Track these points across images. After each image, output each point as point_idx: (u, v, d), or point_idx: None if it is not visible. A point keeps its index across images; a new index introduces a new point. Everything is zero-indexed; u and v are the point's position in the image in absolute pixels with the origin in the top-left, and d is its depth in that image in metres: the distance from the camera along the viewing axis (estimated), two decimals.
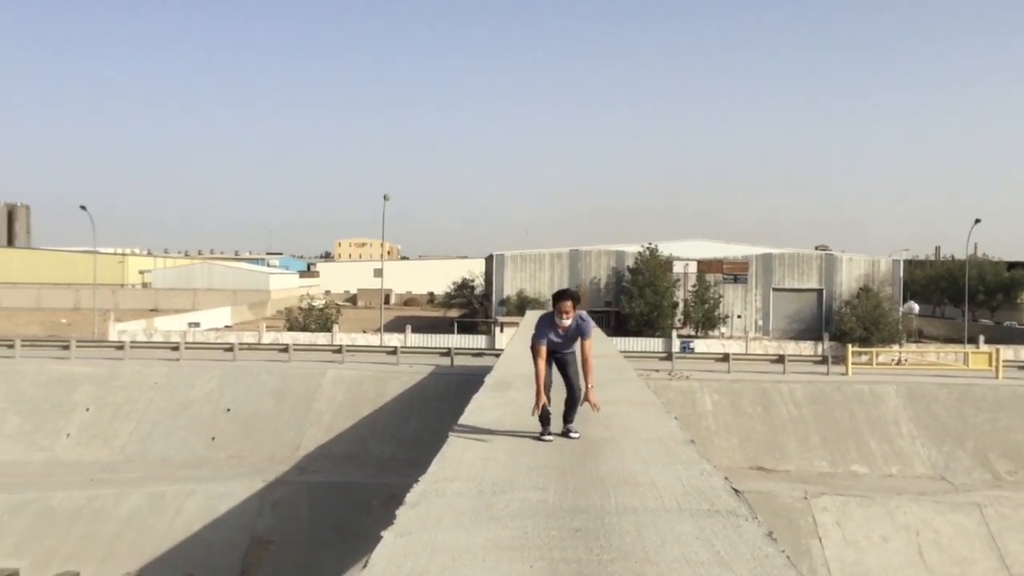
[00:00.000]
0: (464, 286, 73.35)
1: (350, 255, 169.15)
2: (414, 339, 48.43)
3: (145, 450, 27.72)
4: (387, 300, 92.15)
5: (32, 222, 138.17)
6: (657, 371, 32.17)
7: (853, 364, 33.99)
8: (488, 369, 15.94)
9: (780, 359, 34.50)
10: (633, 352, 36.86)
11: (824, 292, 61.27)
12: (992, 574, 20.87)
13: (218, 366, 32.44)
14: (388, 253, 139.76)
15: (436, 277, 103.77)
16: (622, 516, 5.69)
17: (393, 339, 47.59)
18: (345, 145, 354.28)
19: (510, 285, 61.90)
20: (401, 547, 4.98)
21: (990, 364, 33.89)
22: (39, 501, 22.29)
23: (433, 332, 53.42)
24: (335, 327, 51.96)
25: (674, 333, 51.17)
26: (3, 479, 24.43)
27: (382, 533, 5.22)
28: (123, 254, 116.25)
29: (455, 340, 47.92)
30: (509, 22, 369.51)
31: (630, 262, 60.22)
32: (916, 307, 61.15)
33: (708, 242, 63.77)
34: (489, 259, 68.67)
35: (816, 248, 70.92)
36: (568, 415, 8.62)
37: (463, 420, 9.57)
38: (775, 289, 61.71)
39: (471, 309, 69.85)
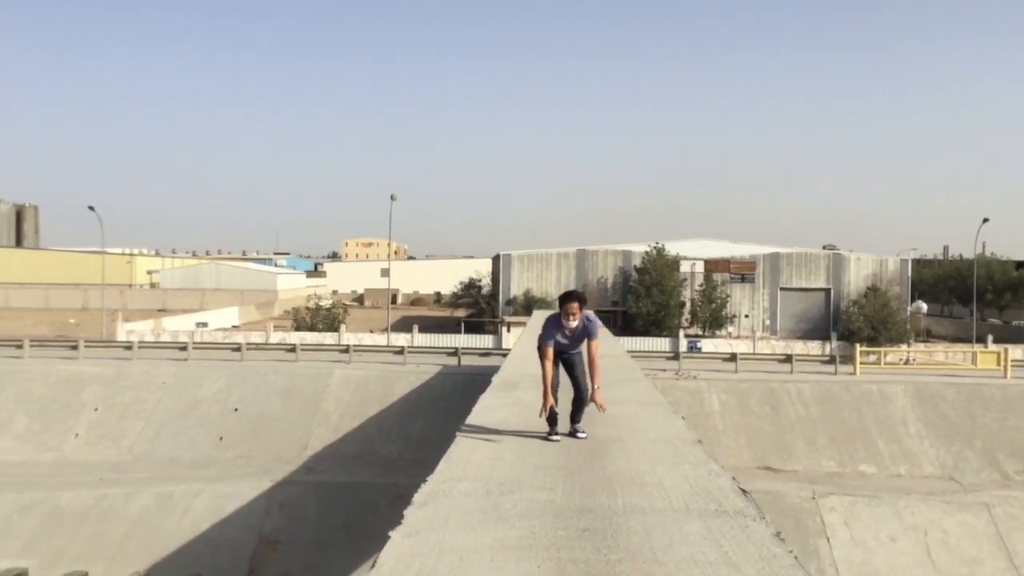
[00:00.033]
0: (471, 286, 73.38)
1: (357, 255, 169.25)
2: (421, 339, 48.45)
3: (153, 450, 27.79)
4: (394, 300, 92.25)
5: (40, 222, 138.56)
6: (664, 371, 32.14)
7: (861, 364, 33.90)
8: (495, 369, 15.94)
9: (788, 359, 34.43)
10: (640, 352, 36.80)
11: (832, 291, 61.08)
12: (1001, 574, 20.81)
13: (226, 366, 32.50)
14: (395, 253, 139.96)
15: (443, 277, 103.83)
16: (630, 516, 5.69)
17: (400, 339, 47.61)
18: (352, 145, 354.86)
19: (517, 285, 61.86)
20: (409, 547, 4.99)
21: (999, 364, 33.76)
22: (48, 501, 22.36)
23: (440, 332, 53.42)
24: (342, 327, 51.98)
25: (681, 333, 51.08)
26: (12, 479, 24.53)
27: (390, 533, 5.22)
28: (131, 254, 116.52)
29: (462, 340, 47.90)
30: (514, 22, 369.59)
31: (637, 262, 60.11)
32: (924, 306, 60.87)
33: (715, 241, 63.62)
34: (496, 259, 68.64)
35: (824, 247, 70.80)
36: (575, 415, 8.62)
37: (470, 420, 9.56)
38: (782, 289, 61.54)
39: (478, 309, 69.91)
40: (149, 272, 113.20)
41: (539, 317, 29.08)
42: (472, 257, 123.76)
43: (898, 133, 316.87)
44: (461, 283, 74.43)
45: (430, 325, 61.23)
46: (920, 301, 61.93)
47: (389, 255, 75.58)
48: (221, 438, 28.22)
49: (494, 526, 5.42)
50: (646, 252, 59.83)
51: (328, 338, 47.85)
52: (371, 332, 55.06)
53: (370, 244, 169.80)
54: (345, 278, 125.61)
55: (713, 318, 57.62)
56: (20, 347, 34.64)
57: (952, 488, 24.72)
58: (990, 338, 48.88)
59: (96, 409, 29.35)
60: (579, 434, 8.53)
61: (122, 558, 20.78)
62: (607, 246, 62.79)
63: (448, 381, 30.57)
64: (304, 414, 29.24)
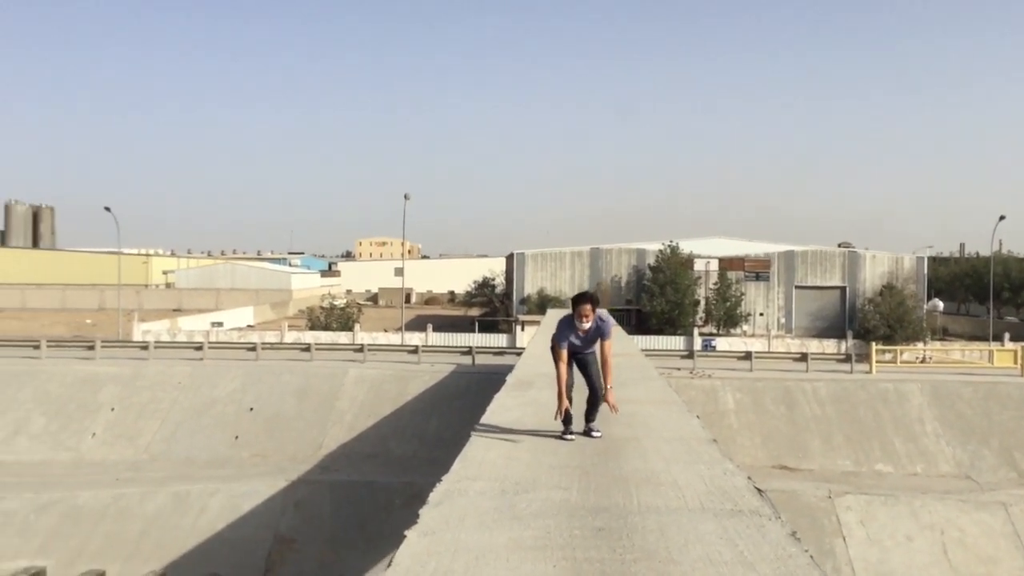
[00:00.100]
0: (485, 285, 73.41)
1: (371, 254, 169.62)
2: (435, 338, 48.55)
3: (169, 449, 27.93)
4: (408, 299, 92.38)
5: (57, 224, 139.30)
6: (679, 369, 32.07)
7: (877, 362, 33.74)
8: (509, 368, 15.94)
9: (803, 357, 34.28)
10: (654, 350, 36.76)
11: (847, 290, 60.82)
12: (1018, 573, 20.67)
13: (241, 366, 32.63)
14: (409, 252, 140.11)
15: (457, 276, 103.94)
16: (645, 515, 5.69)
17: (414, 338, 47.70)
18: (366, 145, 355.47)
19: (531, 284, 61.88)
20: (425, 546, 5.00)
21: (1015, 362, 33.56)
22: (65, 500, 22.50)
23: (454, 331, 53.50)
24: (356, 326, 52.13)
25: (695, 331, 50.99)
26: (30, 478, 24.69)
27: (406, 532, 5.24)
28: (147, 255, 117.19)
29: (476, 339, 47.97)
30: (530, 22, 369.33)
31: (651, 260, 60.03)
32: (940, 304, 60.59)
33: (729, 240, 63.47)
34: (510, 258, 68.65)
35: (839, 245, 70.39)
36: (590, 414, 8.63)
37: (485, 419, 9.57)
38: (797, 287, 61.32)
39: (492, 308, 69.93)
40: (165, 272, 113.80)
41: (553, 316, 29.07)
42: (486, 256, 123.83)
43: (914, 131, 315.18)
44: (475, 282, 74.48)
45: (444, 324, 61.29)
46: (936, 299, 61.63)
47: (403, 254, 75.62)
48: (237, 437, 28.33)
49: (509, 525, 5.43)
50: (660, 251, 59.76)
51: (342, 337, 48.00)
52: (385, 331, 55.18)
53: (384, 243, 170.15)
54: (359, 277, 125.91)
55: (728, 316, 57.47)
56: (37, 347, 34.87)
57: (969, 487, 24.57)
58: (1007, 336, 48.58)
59: (113, 409, 29.51)
60: (594, 433, 8.53)
61: (139, 557, 20.88)
62: (621, 245, 62.73)
63: (462, 380, 30.59)
64: (319, 413, 29.32)
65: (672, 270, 57.01)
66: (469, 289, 76.09)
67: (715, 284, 59.26)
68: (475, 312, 72.12)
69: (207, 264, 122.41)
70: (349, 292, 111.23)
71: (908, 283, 59.51)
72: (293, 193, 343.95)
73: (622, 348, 17.62)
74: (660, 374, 15.48)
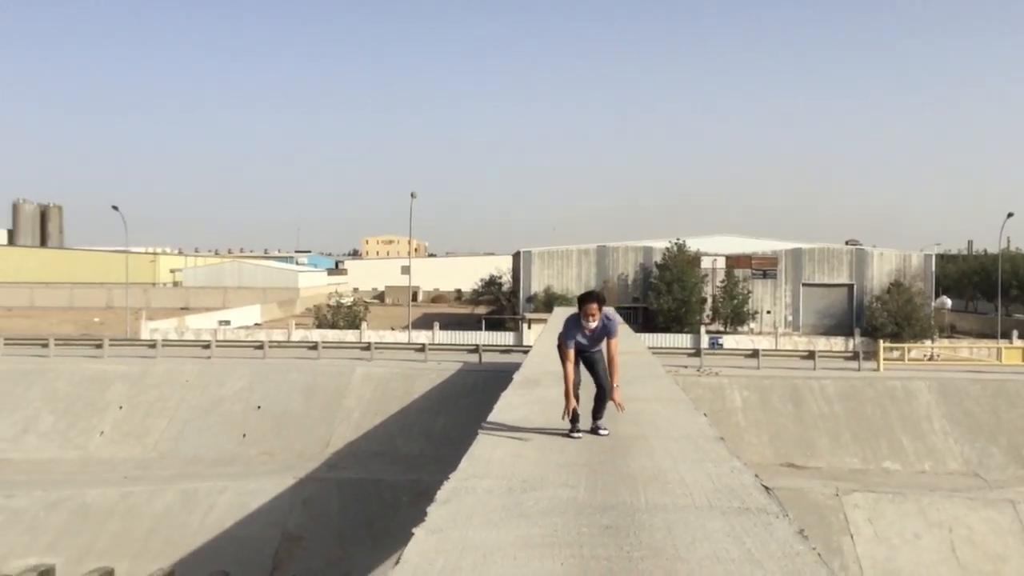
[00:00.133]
0: (492, 283, 73.35)
1: (377, 252, 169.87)
2: (442, 336, 48.59)
3: (177, 447, 28.01)
4: (415, 297, 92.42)
5: (65, 222, 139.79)
6: (686, 367, 32.06)
7: (885, 360, 33.66)
8: (516, 366, 15.95)
9: (810, 355, 34.23)
10: (661, 348, 36.75)
11: (855, 287, 60.67)
12: None
13: (248, 364, 32.71)
14: (415, 250, 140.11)
15: (463, 274, 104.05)
16: (652, 513, 5.70)
17: (421, 336, 47.78)
18: (372, 143, 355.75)
19: (537, 281, 61.88)
20: (433, 544, 5.02)
21: None
22: (74, 498, 22.57)
23: (461, 329, 53.55)
24: (363, 324, 52.18)
25: (703, 329, 50.94)
26: (38, 476, 24.79)
27: (414, 530, 5.26)
28: (154, 253, 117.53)
29: (483, 337, 48.03)
30: (535, 21, 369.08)
31: (658, 258, 59.98)
32: (948, 302, 60.51)
33: (736, 237, 63.37)
34: (516, 255, 68.66)
35: (846, 243, 70.22)
36: (597, 412, 8.64)
37: (492, 417, 9.59)
38: (805, 284, 61.19)
39: (499, 306, 69.86)
40: (172, 271, 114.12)
41: (560, 314, 29.07)
42: (492, 254, 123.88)
43: (922, 128, 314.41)
44: (481, 280, 74.39)
45: (451, 322, 61.33)
46: (944, 296, 61.54)
47: (410, 252, 75.78)
48: (244, 435, 28.41)
49: (517, 523, 5.45)
50: (667, 248, 59.70)
51: (349, 336, 48.05)
52: (392, 329, 55.23)
53: (391, 241, 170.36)
54: (366, 276, 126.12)
55: (735, 314, 57.38)
56: (46, 346, 34.99)
57: (977, 484, 24.51)
58: (1015, 334, 48.39)
59: (121, 407, 29.61)
60: (601, 431, 8.55)
61: (147, 555, 20.94)
62: (627, 242, 62.70)
63: (469, 378, 30.62)
64: (326, 411, 29.38)
65: (679, 268, 56.94)
66: (476, 287, 76.00)
67: (722, 282, 59.17)
68: (482, 310, 72.08)
69: (214, 263, 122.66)
70: (356, 290, 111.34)
71: (916, 280, 59.34)
72: (300, 192, 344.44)
73: (629, 346, 17.60)
74: (667, 372, 15.48)
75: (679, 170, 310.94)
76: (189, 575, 20.03)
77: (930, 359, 40.62)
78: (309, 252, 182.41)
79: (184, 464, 26.50)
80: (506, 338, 49.20)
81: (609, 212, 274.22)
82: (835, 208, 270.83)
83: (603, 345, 8.53)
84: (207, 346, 35.98)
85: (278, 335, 48.82)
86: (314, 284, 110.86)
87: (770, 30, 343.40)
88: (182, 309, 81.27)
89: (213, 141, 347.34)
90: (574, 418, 8.43)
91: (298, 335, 48.36)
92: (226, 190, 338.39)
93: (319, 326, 53.93)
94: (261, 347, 35.89)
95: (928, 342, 48.36)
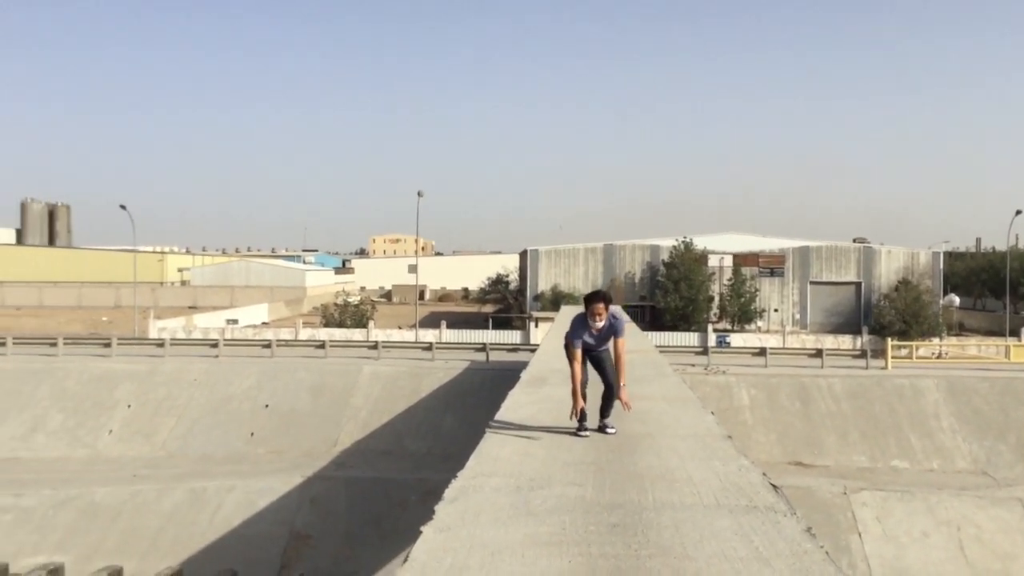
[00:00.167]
0: (498, 281, 73.38)
1: (384, 251, 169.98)
2: (449, 335, 48.60)
3: (186, 446, 28.08)
4: (422, 296, 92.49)
5: (73, 222, 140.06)
6: (693, 366, 32.02)
7: (893, 358, 33.57)
8: (523, 364, 15.95)
9: (818, 353, 34.17)
10: (668, 347, 36.66)
11: (862, 285, 60.48)
12: None
13: (256, 363, 32.78)
14: (422, 249, 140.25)
15: (471, 272, 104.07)
16: (660, 512, 5.70)
17: (428, 335, 47.79)
18: (379, 142, 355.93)
19: (544, 280, 61.86)
20: (441, 542, 5.03)
21: None
22: (83, 497, 22.65)
23: (468, 328, 53.55)
24: (370, 323, 52.24)
25: (710, 327, 50.84)
26: (48, 475, 24.89)
27: (421, 528, 5.27)
28: (162, 252, 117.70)
29: (490, 336, 48.02)
30: (540, 18, 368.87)
31: (665, 256, 59.89)
32: (956, 300, 60.30)
33: (744, 235, 63.25)
34: (523, 254, 68.63)
35: (854, 241, 70.03)
36: (605, 410, 8.64)
37: (499, 416, 9.58)
38: (812, 282, 61.04)
39: (506, 304, 69.93)
40: (180, 270, 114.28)
41: (567, 312, 29.06)
42: (500, 252, 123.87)
43: (929, 126, 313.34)
44: (489, 279, 74.44)
45: (458, 321, 61.36)
46: (952, 294, 61.34)
47: (417, 251, 75.79)
48: (252, 434, 28.47)
49: (525, 521, 5.45)
50: (674, 247, 59.62)
51: (356, 334, 48.13)
52: (399, 328, 55.26)
53: (398, 240, 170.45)
54: (373, 274, 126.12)
55: (742, 312, 57.27)
56: (54, 345, 35.12)
57: (985, 483, 24.45)
58: (1023, 331, 48.23)
59: (129, 406, 29.70)
60: (608, 429, 8.54)
61: (155, 553, 21.01)
62: (634, 241, 62.61)
63: (476, 377, 30.63)
64: (334, 410, 29.43)
65: (686, 266, 56.85)
66: (483, 286, 76.08)
67: (729, 280, 59.05)
68: (489, 309, 72.14)
69: (222, 261, 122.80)
70: (363, 289, 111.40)
71: (924, 278, 59.15)
72: (307, 191, 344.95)
73: (636, 345, 17.61)
74: (674, 370, 15.46)
75: (686, 168, 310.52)
76: (197, 574, 20.08)
77: (938, 357, 40.51)
78: (316, 251, 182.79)
79: (192, 463, 26.57)
80: (513, 337, 49.19)
81: (616, 211, 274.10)
82: (843, 206, 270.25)
83: (610, 344, 8.53)
84: (215, 345, 36.06)
85: (285, 334, 48.91)
86: (321, 283, 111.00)
87: (775, 29, 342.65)
88: (190, 308, 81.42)
89: (220, 140, 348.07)
90: (581, 417, 8.43)
91: (305, 334, 48.44)
92: (233, 189, 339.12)
93: (326, 325, 54.01)
94: (269, 346, 35.96)
95: (936, 340, 48.23)
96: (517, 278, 72.54)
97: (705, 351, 35.44)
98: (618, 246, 62.30)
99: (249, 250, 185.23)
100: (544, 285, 61.53)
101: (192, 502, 22.67)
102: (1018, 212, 52.60)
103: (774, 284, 61.07)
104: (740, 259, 60.86)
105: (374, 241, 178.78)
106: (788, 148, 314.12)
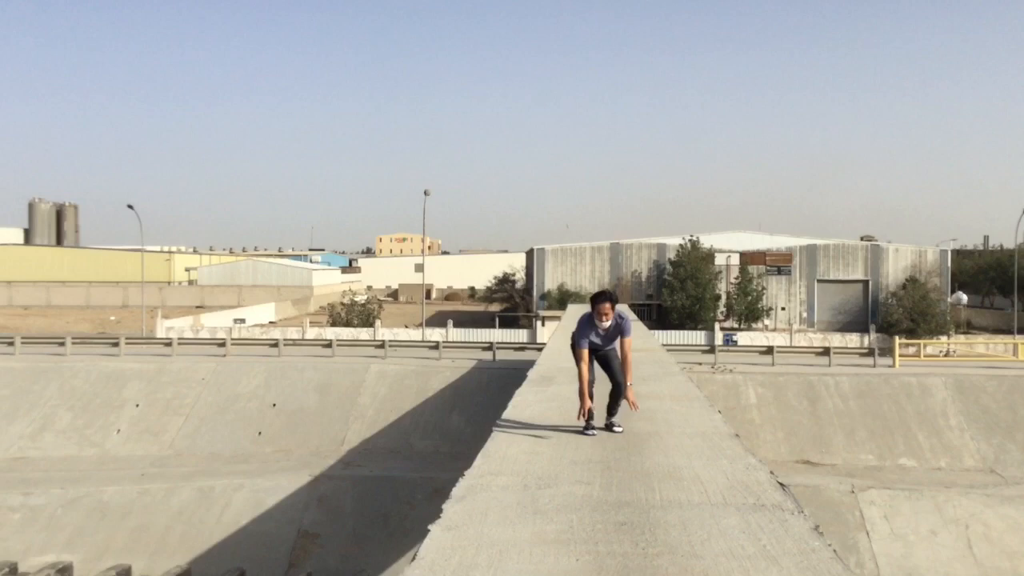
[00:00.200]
0: (505, 280, 73.38)
1: (391, 250, 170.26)
2: (456, 334, 48.63)
3: (194, 445, 28.14)
4: (428, 295, 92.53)
5: (80, 221, 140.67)
6: (700, 364, 31.97)
7: (900, 356, 33.50)
8: (530, 363, 15.95)
9: (825, 351, 34.09)
10: (675, 345, 36.66)
11: (870, 283, 60.38)
12: None
13: (263, 362, 32.83)
14: (429, 248, 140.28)
15: (477, 271, 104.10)
16: (667, 510, 5.70)
17: (435, 334, 47.84)
18: (385, 141, 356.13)
19: (551, 279, 61.87)
20: (449, 540, 5.04)
21: None
22: (91, 495, 22.71)
23: (475, 326, 53.59)
24: (377, 322, 52.30)
25: (717, 326, 50.79)
26: (57, 474, 24.97)
27: (429, 527, 5.28)
28: (169, 252, 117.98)
29: (497, 334, 48.07)
30: (548, 17, 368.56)
31: (671, 255, 59.86)
32: (964, 298, 60.11)
33: (751, 234, 63.15)
34: (530, 253, 68.64)
35: (861, 239, 69.93)
36: (612, 408, 8.65)
37: (506, 414, 9.60)
38: (820, 281, 60.96)
39: (512, 303, 69.90)
40: (187, 269, 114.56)
41: (574, 311, 29.07)
42: (506, 251, 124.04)
43: (937, 123, 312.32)
44: (495, 277, 74.43)
45: (465, 320, 61.38)
46: (960, 292, 61.16)
47: (423, 250, 75.87)
48: (260, 433, 28.52)
49: (532, 520, 5.46)
50: (680, 245, 59.58)
51: (363, 333, 48.18)
52: (406, 327, 55.34)
53: (404, 239, 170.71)
54: (379, 273, 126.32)
55: (749, 311, 57.19)
56: (63, 344, 35.23)
57: (994, 481, 24.38)
58: None
59: (137, 405, 29.78)
60: (615, 428, 8.55)
61: (164, 552, 21.05)
62: (641, 239, 62.59)
63: (483, 376, 30.64)
64: (341, 409, 29.46)
65: (693, 264, 56.82)
66: (489, 285, 76.06)
67: (736, 278, 59.01)
68: (495, 308, 72.11)
69: (229, 261, 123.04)
70: (369, 288, 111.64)
71: (931, 276, 59.03)
72: (313, 190, 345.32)
73: (643, 343, 17.61)
74: (681, 369, 15.45)
75: (693, 167, 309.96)
76: (205, 572, 20.13)
77: (946, 355, 40.44)
78: (323, 250, 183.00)
79: (200, 461, 26.63)
80: (520, 335, 49.25)
81: (622, 209, 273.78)
82: (850, 204, 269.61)
83: (617, 343, 8.54)
84: (222, 344, 36.11)
85: (292, 333, 49.00)
86: (328, 282, 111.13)
87: (783, 25, 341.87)
88: (197, 307, 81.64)
89: (227, 140, 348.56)
90: (589, 415, 8.44)
91: (312, 333, 48.51)
92: (240, 189, 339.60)
93: (333, 324, 54.09)
94: (276, 345, 36.00)
95: (944, 338, 48.09)
96: (524, 277, 72.57)
97: (712, 350, 35.39)
98: (624, 245, 62.28)
99: (256, 250, 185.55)
100: (551, 284, 61.55)
101: (200, 501, 22.72)
102: None
103: (781, 282, 60.99)
104: (747, 257, 60.80)
105: (380, 240, 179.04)
106: (795, 146, 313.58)
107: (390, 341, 37.29)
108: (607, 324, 8.31)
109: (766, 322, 58.18)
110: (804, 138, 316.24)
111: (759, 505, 5.79)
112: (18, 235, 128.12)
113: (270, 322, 67.25)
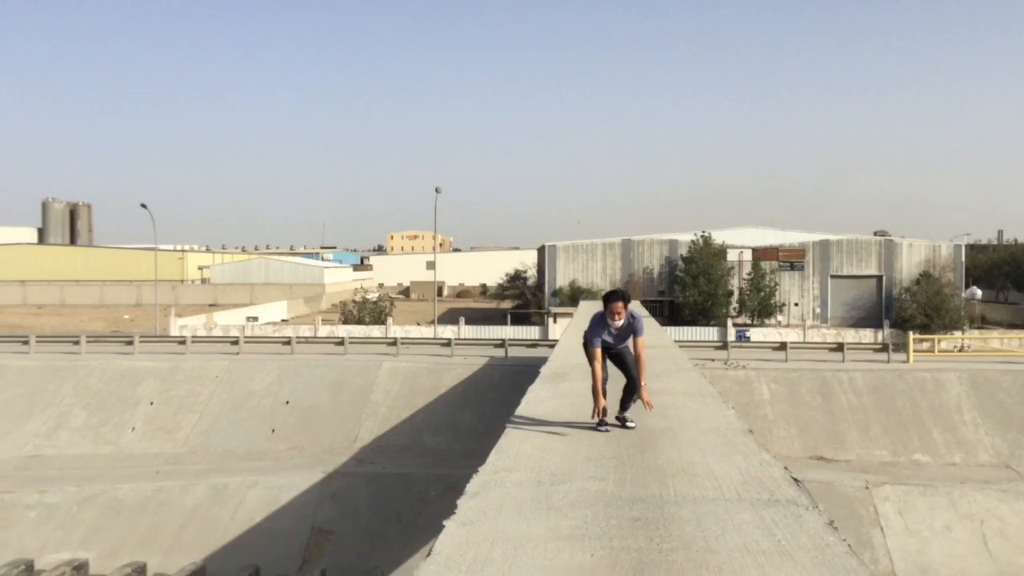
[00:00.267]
0: (517, 277, 73.37)
1: (402, 248, 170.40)
2: (468, 331, 48.63)
3: (208, 442, 28.26)
4: (440, 292, 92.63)
5: (94, 221, 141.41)
6: (713, 360, 31.90)
7: (914, 351, 33.37)
8: (543, 360, 15.97)
9: (839, 347, 33.96)
10: (688, 342, 36.56)
11: (884, 278, 60.10)
12: None
13: (276, 359, 32.92)
14: (440, 245, 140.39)
15: (488, 268, 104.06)
16: (681, 506, 5.70)
17: (447, 331, 47.87)
18: (397, 139, 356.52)
19: (562, 276, 61.81)
20: (464, 536, 5.06)
21: None
22: (106, 493, 22.84)
23: (487, 324, 53.58)
24: (389, 320, 52.37)
25: (729, 322, 50.64)
26: (72, 472, 25.11)
27: (444, 523, 5.30)
28: (182, 250, 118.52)
29: (509, 331, 48.01)
30: (560, 14, 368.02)
31: (683, 251, 59.71)
32: (978, 292, 59.72)
33: (763, 229, 62.94)
34: (541, 250, 68.59)
35: (875, 234, 69.58)
36: (625, 402, 8.65)
37: (519, 411, 9.61)
38: (833, 276, 60.71)
39: (524, 300, 69.90)
40: (200, 268, 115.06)
41: (586, 308, 29.05)
42: (517, 248, 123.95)
43: (951, 117, 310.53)
44: (507, 275, 74.41)
45: (476, 317, 61.41)
46: (974, 287, 60.79)
47: (434, 247, 75.77)
48: (273, 430, 28.62)
49: (547, 515, 5.47)
50: (692, 241, 59.42)
51: (375, 331, 48.23)
52: (418, 325, 55.40)
53: (415, 237, 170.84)
54: (391, 271, 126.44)
55: (762, 307, 57.02)
56: (77, 343, 35.41)
57: (1009, 476, 24.27)
58: None
59: (152, 403, 29.92)
60: (628, 423, 8.56)
61: (179, 549, 21.16)
62: (653, 236, 62.45)
63: (496, 373, 30.67)
64: (354, 406, 29.54)
65: (705, 261, 56.66)
66: (501, 282, 76.06)
67: (749, 274, 58.83)
68: (507, 305, 72.13)
69: (241, 259, 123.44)
70: (381, 286, 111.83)
71: (945, 271, 58.72)
72: (325, 188, 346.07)
73: (655, 340, 17.59)
74: (694, 365, 15.43)
75: (705, 163, 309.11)
76: (220, 569, 20.22)
77: (960, 350, 40.25)
78: (334, 248, 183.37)
79: (214, 459, 26.74)
80: (532, 332, 49.20)
81: (634, 206, 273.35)
82: (863, 199, 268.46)
83: (629, 341, 8.54)
84: (235, 342, 36.23)
85: (305, 331, 49.10)
86: (340, 280, 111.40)
87: (795, 22, 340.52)
88: (210, 306, 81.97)
89: (240, 139, 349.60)
90: (603, 413, 8.44)
91: (324, 331, 48.59)
92: (252, 188, 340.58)
93: (345, 322, 54.19)
94: (289, 343, 36.09)
95: (958, 333, 47.86)
96: (535, 274, 72.52)
97: (725, 346, 35.31)
98: (636, 241, 62.16)
99: (268, 248, 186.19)
100: (562, 280, 61.49)
101: (214, 498, 22.82)
102: None
103: (794, 278, 60.79)
104: (759, 253, 60.61)
105: (392, 238, 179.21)
106: (808, 141, 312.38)
107: (402, 338, 37.32)
108: (619, 323, 8.31)
109: (779, 318, 58.01)
110: (816, 133, 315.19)
111: (773, 501, 5.79)
112: (32, 235, 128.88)
113: (282, 320, 67.46)
